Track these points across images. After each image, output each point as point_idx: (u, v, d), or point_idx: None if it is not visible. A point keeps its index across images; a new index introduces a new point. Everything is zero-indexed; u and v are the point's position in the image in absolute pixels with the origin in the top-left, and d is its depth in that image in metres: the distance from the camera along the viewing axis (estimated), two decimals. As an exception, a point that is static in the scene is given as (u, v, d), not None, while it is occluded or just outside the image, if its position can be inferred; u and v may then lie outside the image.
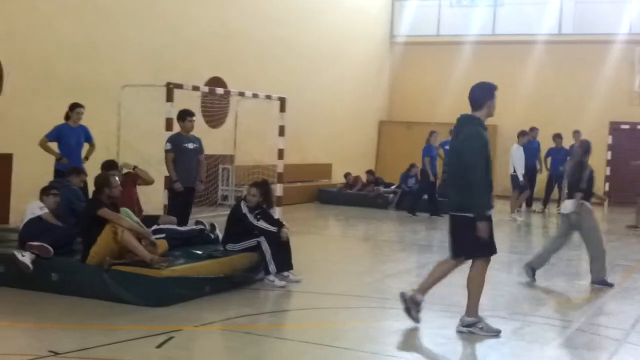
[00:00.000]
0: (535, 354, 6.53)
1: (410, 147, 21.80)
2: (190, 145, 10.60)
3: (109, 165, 9.86)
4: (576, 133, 17.29)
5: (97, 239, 7.71)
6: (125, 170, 10.37)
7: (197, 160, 10.73)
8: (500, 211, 18.66)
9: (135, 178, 10.22)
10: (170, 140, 10.61)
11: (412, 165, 18.66)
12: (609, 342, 6.87)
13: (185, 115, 10.75)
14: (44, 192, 8.90)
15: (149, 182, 10.45)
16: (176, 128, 12.86)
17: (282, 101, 15.21)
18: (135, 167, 10.37)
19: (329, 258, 11.55)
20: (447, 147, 18.03)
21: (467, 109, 7.05)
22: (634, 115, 21.25)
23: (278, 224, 8.96)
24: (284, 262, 8.82)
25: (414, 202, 16.76)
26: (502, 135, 22.71)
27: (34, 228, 8.31)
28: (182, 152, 10.49)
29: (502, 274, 10.50)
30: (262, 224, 8.76)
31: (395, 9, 24.44)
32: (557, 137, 18.54)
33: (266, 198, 8.97)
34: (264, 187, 9.07)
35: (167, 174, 11.71)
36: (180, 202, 10.54)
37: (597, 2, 22.15)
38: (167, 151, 10.53)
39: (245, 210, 8.81)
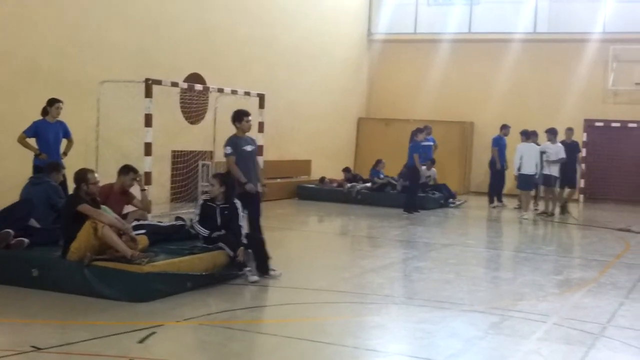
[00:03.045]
0: (513, 347, 6.61)
1: (389, 144, 21.99)
2: (248, 148, 9.90)
3: (128, 168, 9.55)
4: (569, 130, 17.45)
5: (77, 234, 7.70)
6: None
7: (254, 162, 10.10)
8: (480, 207, 18.84)
9: (130, 198, 9.59)
10: (230, 143, 9.83)
11: (379, 161, 19.10)
12: (586, 336, 6.98)
13: (242, 116, 10.00)
14: None
15: (146, 208, 9.81)
16: (155, 124, 12.91)
17: (261, 97, 15.24)
18: (144, 190, 9.81)
19: (309, 254, 11.61)
20: (423, 143, 18.23)
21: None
22: (608, 113, 21.53)
23: (235, 234, 8.71)
24: (259, 266, 8.83)
25: (411, 200, 16.72)
26: (478, 132, 22.91)
27: None
28: (240, 155, 9.79)
29: (480, 269, 10.63)
30: (198, 227, 8.75)
31: (372, 6, 24.50)
32: (533, 134, 18.71)
33: (228, 189, 8.87)
34: (223, 177, 9.02)
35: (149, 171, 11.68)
36: (246, 207, 9.63)
37: (571, 1, 22.36)
38: (227, 155, 9.79)
39: (199, 203, 8.85)
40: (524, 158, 16.42)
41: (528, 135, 16.82)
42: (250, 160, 9.91)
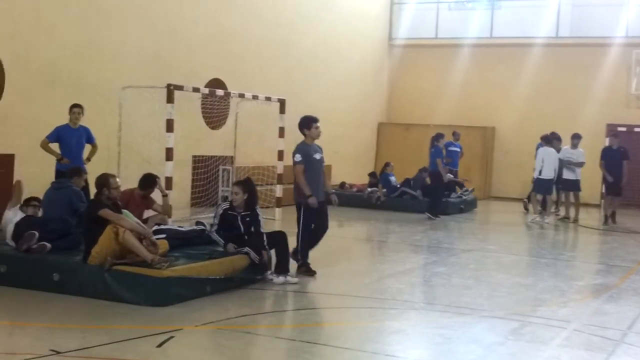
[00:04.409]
0: (533, 353, 6.57)
1: (409, 149, 21.95)
2: (317, 156, 9.50)
3: (151, 181, 9.64)
4: (614, 137, 17.26)
5: (98, 239, 7.75)
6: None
7: (323, 171, 9.67)
8: (501, 211, 18.74)
9: (151, 202, 9.67)
10: (300, 151, 9.40)
11: (387, 164, 18.87)
12: (607, 343, 6.92)
13: (310, 122, 9.53)
14: (25, 203, 9.07)
15: (166, 213, 9.82)
16: (177, 129, 12.99)
17: (282, 103, 15.29)
18: (165, 195, 9.88)
19: (328, 259, 11.57)
20: (450, 148, 18.28)
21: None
22: (630, 118, 21.35)
23: (258, 238, 8.77)
24: (281, 266, 8.86)
25: (435, 204, 16.71)
26: (499, 137, 22.82)
27: (29, 224, 8.48)
28: (310, 164, 9.37)
29: (501, 274, 10.57)
30: (215, 235, 8.86)
31: (393, 11, 24.50)
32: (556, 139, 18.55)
33: (250, 196, 8.90)
34: (246, 184, 9.02)
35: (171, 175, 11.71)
36: (314, 217, 9.45)
37: (594, 5, 22.23)
38: (297, 163, 9.32)
39: (220, 211, 8.92)
40: (545, 162, 16.34)
41: (549, 140, 16.72)
42: (320, 170, 9.50)
